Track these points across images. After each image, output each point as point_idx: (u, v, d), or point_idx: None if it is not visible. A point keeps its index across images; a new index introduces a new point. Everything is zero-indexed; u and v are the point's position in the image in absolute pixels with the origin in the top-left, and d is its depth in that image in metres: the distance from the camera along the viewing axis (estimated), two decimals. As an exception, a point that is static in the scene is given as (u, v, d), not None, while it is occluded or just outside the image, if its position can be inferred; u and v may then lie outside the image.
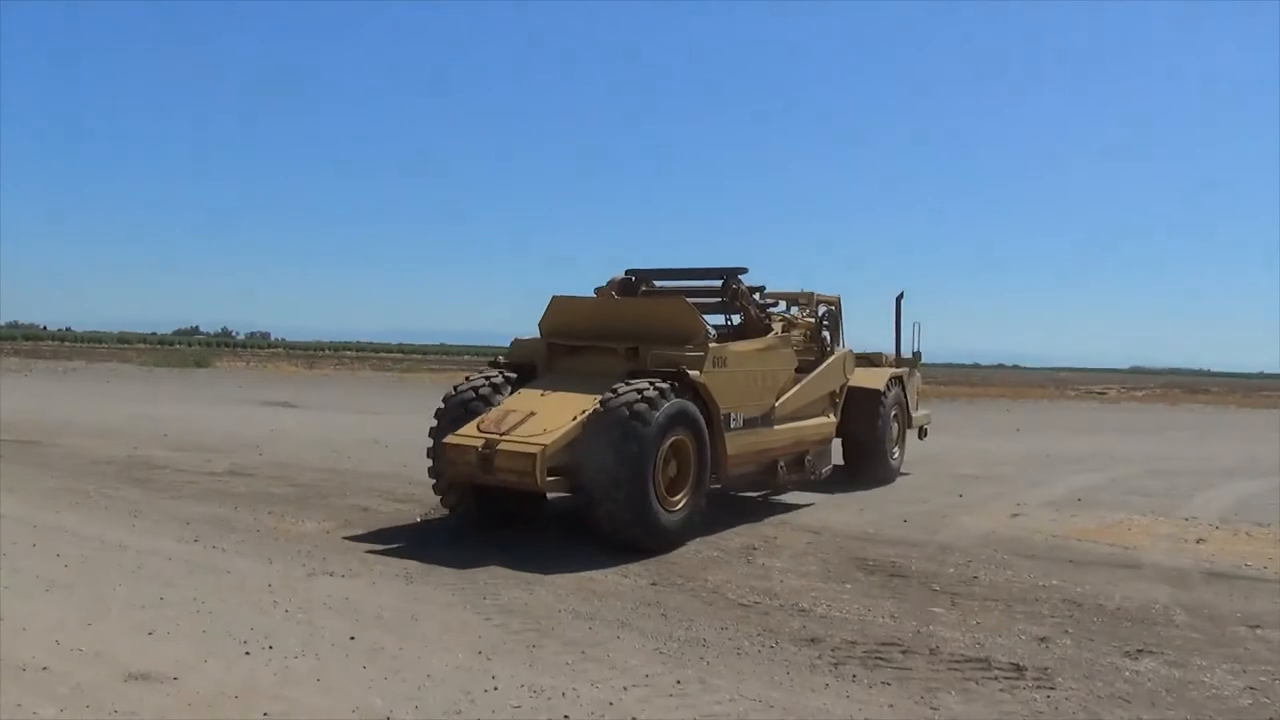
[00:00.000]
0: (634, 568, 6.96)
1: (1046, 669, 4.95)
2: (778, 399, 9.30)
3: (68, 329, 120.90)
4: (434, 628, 5.30)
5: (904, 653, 5.16)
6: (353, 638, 5.04)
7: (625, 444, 7.11)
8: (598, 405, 7.42)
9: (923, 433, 13.97)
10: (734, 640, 5.29)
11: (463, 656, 4.82)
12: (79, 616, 5.28)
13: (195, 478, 10.77)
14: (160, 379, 37.06)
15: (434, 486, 8.15)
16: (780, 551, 7.78)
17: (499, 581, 6.36)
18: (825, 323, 11.00)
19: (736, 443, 8.50)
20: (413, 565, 6.79)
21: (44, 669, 4.40)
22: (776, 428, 9.25)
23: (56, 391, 26.60)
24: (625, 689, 4.44)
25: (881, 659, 5.04)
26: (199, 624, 5.20)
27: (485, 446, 7.37)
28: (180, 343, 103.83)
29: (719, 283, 9.98)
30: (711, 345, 8.35)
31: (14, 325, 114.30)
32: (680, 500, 7.76)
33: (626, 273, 10.55)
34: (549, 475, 7.23)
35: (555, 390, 8.12)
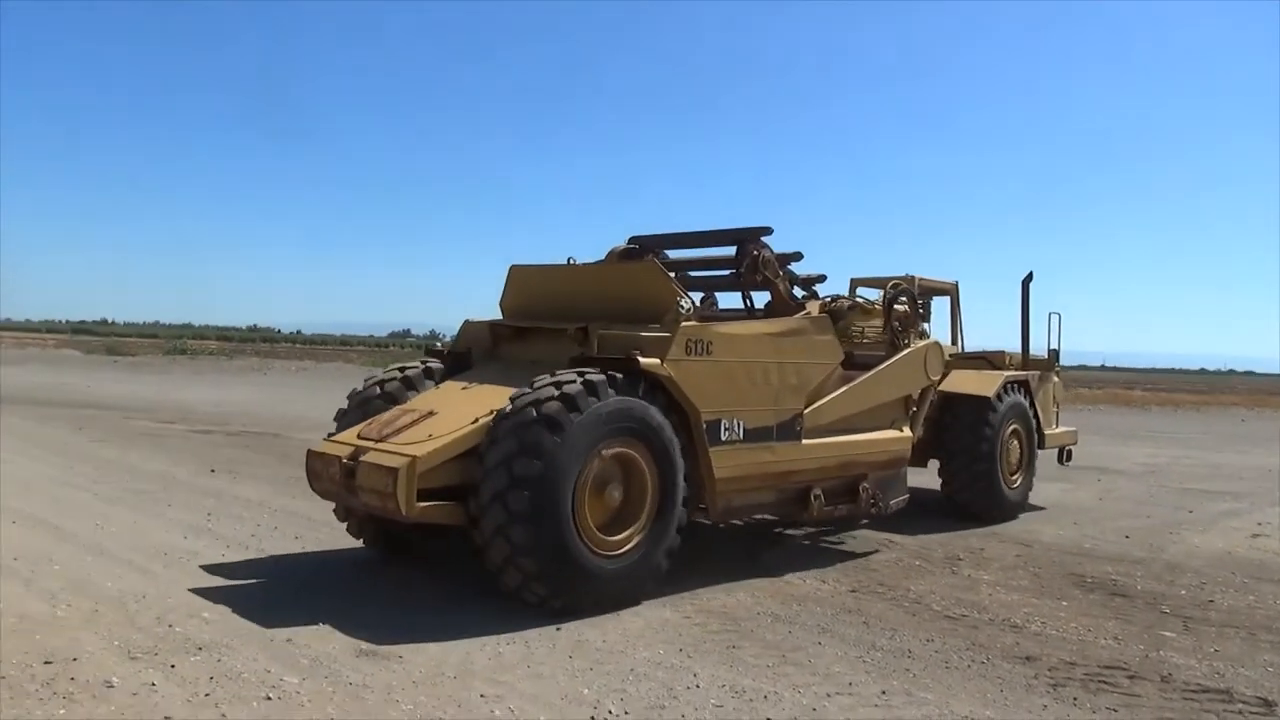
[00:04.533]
0: (832, 573, 6.84)
1: (1300, 706, 4.47)
2: (808, 403, 7.01)
3: (298, 331, 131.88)
4: (636, 623, 5.40)
5: (1131, 678, 4.80)
6: (558, 629, 5.22)
7: (525, 461, 5.25)
8: (505, 406, 5.61)
9: (1065, 455, 11.30)
10: (941, 653, 5.09)
11: (664, 653, 4.89)
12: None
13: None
14: (377, 378, 39.73)
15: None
16: (988, 564, 7.43)
17: (697, 580, 6.39)
18: (901, 304, 8.32)
19: (732, 460, 6.38)
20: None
21: (288, 640, 4.82)
22: (806, 442, 6.94)
23: (290, 388, 29.10)
24: (828, 696, 4.37)
25: (1106, 683, 4.71)
26: (419, 607, 5.55)
27: (350, 457, 5.67)
28: (394, 344, 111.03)
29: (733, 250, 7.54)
30: (685, 324, 6.20)
31: (254, 328, 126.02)
32: (627, 539, 5.74)
33: (630, 240, 8.24)
34: (426, 499, 5.39)
35: (484, 383, 6.38)
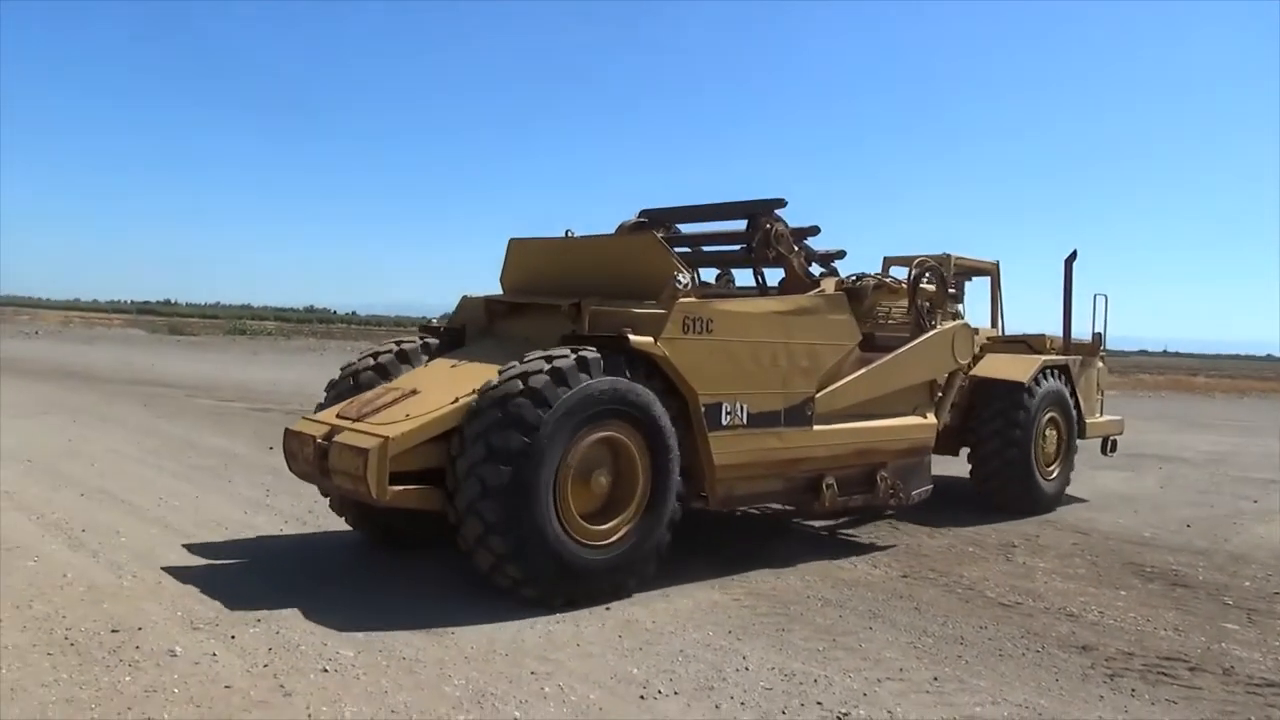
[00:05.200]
0: (883, 558, 6.79)
1: (1371, 703, 4.34)
2: (821, 386, 6.61)
3: (353, 312, 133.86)
4: (685, 605, 5.41)
5: (1191, 670, 4.70)
6: (608, 609, 5.25)
7: (498, 448, 5.00)
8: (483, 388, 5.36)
9: (1109, 445, 10.53)
10: (994, 641, 5.03)
11: (713, 634, 4.90)
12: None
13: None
14: (430, 358, 40.19)
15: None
16: (1044, 551, 7.31)
17: (746, 563, 6.38)
18: (927, 282, 7.79)
19: (734, 446, 6.02)
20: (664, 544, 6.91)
21: (344, 614, 4.89)
22: (817, 428, 6.54)
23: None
24: (879, 681, 4.35)
25: (1165, 674, 4.62)
26: (471, 585, 5.61)
27: (325, 436, 5.46)
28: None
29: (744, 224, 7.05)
30: (683, 300, 5.82)
31: (310, 309, 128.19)
32: (614, 529, 5.46)
33: (640, 214, 7.88)
34: (400, 483, 5.15)
35: (474, 361, 6.12)
